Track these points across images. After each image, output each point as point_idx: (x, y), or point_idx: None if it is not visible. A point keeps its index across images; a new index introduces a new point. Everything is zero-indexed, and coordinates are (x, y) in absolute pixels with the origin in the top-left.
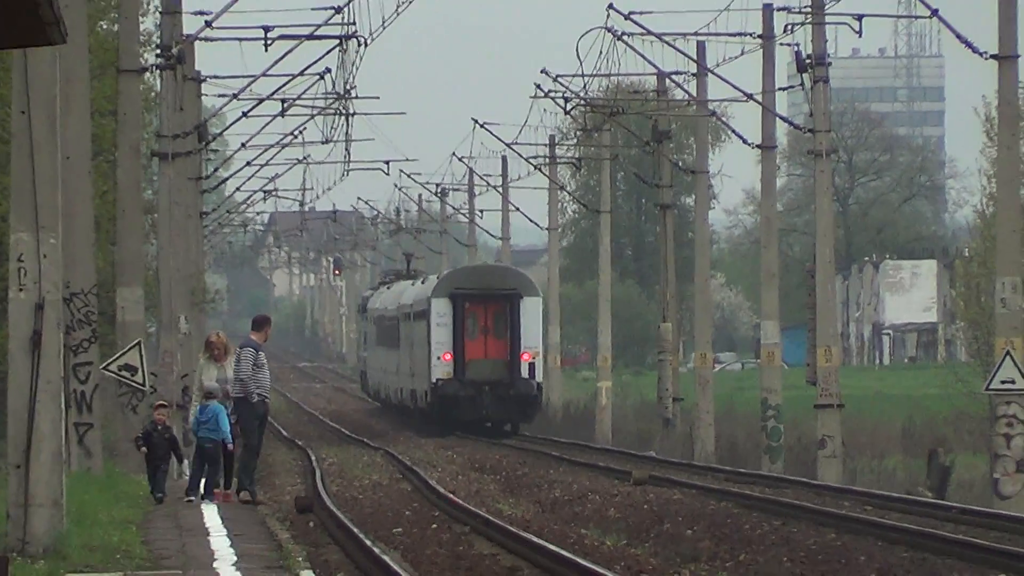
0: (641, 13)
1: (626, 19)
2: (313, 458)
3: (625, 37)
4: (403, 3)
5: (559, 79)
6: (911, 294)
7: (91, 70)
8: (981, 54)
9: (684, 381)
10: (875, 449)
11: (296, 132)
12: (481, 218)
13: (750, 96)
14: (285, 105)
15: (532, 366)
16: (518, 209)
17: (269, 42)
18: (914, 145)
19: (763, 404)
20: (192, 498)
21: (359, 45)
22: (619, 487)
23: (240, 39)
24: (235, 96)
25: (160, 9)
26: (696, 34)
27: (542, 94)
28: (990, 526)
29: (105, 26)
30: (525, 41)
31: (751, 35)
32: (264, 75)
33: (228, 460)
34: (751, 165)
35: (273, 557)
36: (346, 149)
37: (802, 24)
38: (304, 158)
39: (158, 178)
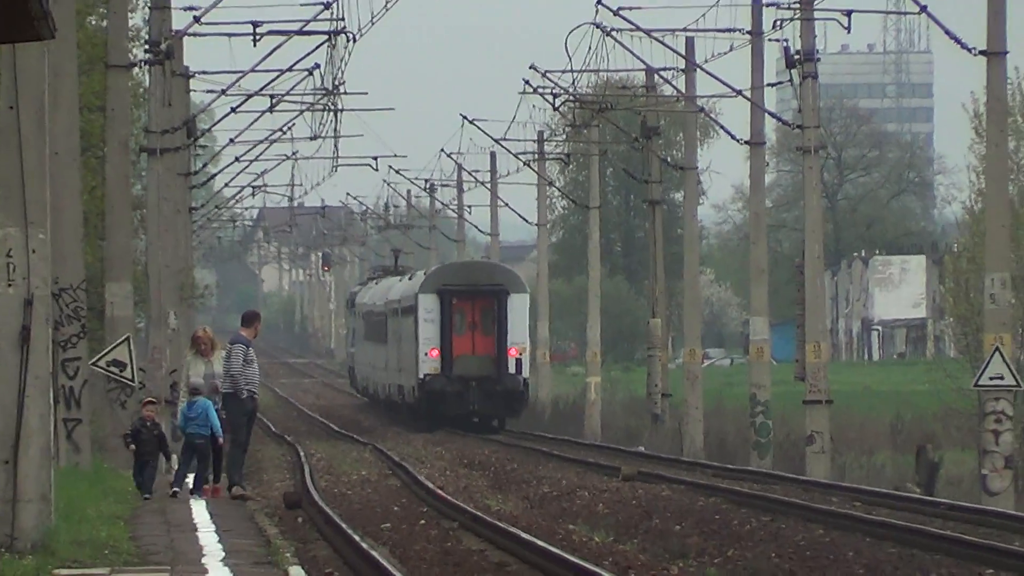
0: (630, 9)
1: (615, 15)
2: (302, 454)
3: (614, 33)
4: None
5: (548, 75)
6: (900, 290)
7: (79, 65)
8: (970, 50)
9: (673, 377)
10: (863, 445)
11: (285, 128)
12: (470, 214)
13: (739, 92)
14: (274, 101)
15: (519, 362)
16: (507, 205)
17: (258, 38)
18: (903, 141)
19: (752, 400)
20: (177, 489)
21: (348, 41)
22: (608, 483)
23: (229, 35)
24: (224, 92)
25: (148, 4)
26: (685, 30)
27: (531, 90)
28: (978, 522)
29: (94, 21)
30: (514, 37)
31: (740, 31)
32: (253, 71)
33: (217, 455)
34: (740, 161)
35: (261, 553)
36: (335, 145)
37: (791, 20)
38: (293, 154)
39: (147, 174)
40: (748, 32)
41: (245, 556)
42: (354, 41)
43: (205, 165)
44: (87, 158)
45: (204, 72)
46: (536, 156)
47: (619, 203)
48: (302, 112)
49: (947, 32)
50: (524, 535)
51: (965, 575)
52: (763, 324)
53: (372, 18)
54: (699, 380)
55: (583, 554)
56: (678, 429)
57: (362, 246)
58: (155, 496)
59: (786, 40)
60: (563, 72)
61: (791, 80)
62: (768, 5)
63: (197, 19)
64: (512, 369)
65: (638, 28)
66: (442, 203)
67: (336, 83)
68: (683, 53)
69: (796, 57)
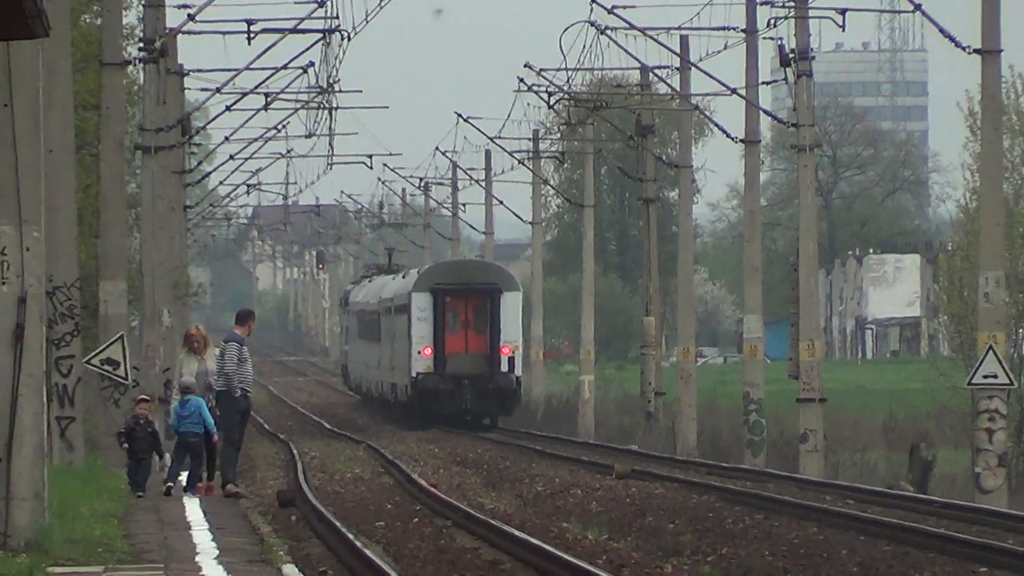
0: (624, 7)
1: (609, 13)
2: (295, 452)
3: (608, 31)
4: None
5: (543, 73)
6: (894, 288)
7: (74, 63)
8: (964, 48)
9: (667, 375)
10: (857, 443)
11: (279, 126)
12: (464, 212)
13: (733, 90)
14: (268, 99)
15: (512, 360)
16: (501, 203)
17: (252, 36)
18: (897, 139)
19: (745, 398)
20: (171, 484)
21: (342, 39)
22: (601, 481)
23: (223, 32)
24: (218, 90)
25: (143, 2)
26: (679, 28)
27: (526, 88)
28: (972, 520)
29: (88, 19)
30: (509, 35)
31: (734, 29)
32: (247, 69)
33: (211, 452)
34: (735, 159)
35: (255, 551)
36: (329, 143)
37: (785, 18)
38: (287, 152)
39: (141, 172)
40: (743, 30)
41: (239, 554)
42: (348, 39)
43: (200, 163)
44: (82, 156)
45: (198, 70)
46: (531, 154)
47: (614, 201)
48: (296, 110)
49: (941, 30)
50: (518, 533)
51: (959, 573)
52: (757, 322)
53: (366, 16)
54: (693, 378)
55: (577, 552)
56: (672, 427)
57: (356, 244)
58: (148, 494)
59: (780, 38)
60: (558, 70)
61: (786, 78)
62: (762, 3)
63: (191, 17)
64: (505, 367)
65: (633, 26)
66: (437, 201)
67: (330, 81)
68: (678, 51)
69: (791, 55)
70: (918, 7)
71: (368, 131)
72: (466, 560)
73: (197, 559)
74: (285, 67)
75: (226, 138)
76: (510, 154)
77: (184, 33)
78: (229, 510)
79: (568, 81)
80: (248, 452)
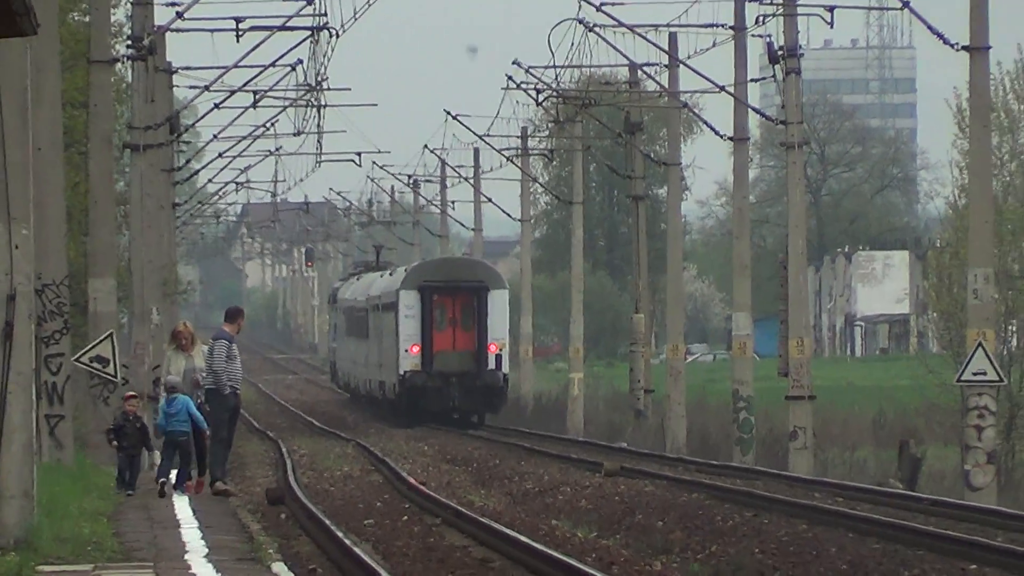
0: (613, 4)
1: (598, 10)
2: (284, 450)
3: (597, 29)
4: None
5: (531, 71)
6: (883, 285)
7: (62, 61)
8: (952, 45)
9: (656, 372)
10: (846, 441)
11: (268, 124)
12: (453, 209)
13: (722, 88)
14: (257, 97)
15: (499, 357)
16: (490, 200)
17: (240, 33)
18: (886, 137)
19: (735, 395)
20: (164, 480)
21: (331, 36)
22: (590, 478)
23: (211, 30)
24: (207, 87)
25: (131, 0)
26: (668, 25)
27: (514, 86)
28: (961, 517)
29: (76, 17)
30: (497, 32)
31: (723, 26)
32: (236, 66)
33: (201, 448)
34: (723, 157)
35: (244, 549)
36: (318, 141)
37: (774, 15)
38: (276, 149)
39: (130, 170)
40: (731, 28)
41: (228, 552)
42: (337, 36)
43: (188, 161)
44: (70, 154)
45: (187, 68)
46: (519, 152)
47: (602, 199)
48: (285, 108)
49: (930, 28)
50: (507, 531)
51: (948, 570)
52: (746, 320)
53: (355, 13)
54: (682, 376)
55: (566, 550)
56: (661, 425)
57: (345, 242)
58: (138, 492)
59: (769, 36)
60: (546, 68)
61: (774, 76)
62: (751, 1)
63: (180, 15)
64: (492, 365)
65: (621, 24)
66: (425, 199)
67: (319, 79)
68: (666, 49)
69: (779, 53)
70: (906, 4)
71: (357, 129)
72: (455, 558)
73: (186, 557)
74: (274, 65)
75: (215, 136)
76: (499, 152)
77: (172, 31)
78: (218, 508)
79: (557, 79)
80: (237, 450)
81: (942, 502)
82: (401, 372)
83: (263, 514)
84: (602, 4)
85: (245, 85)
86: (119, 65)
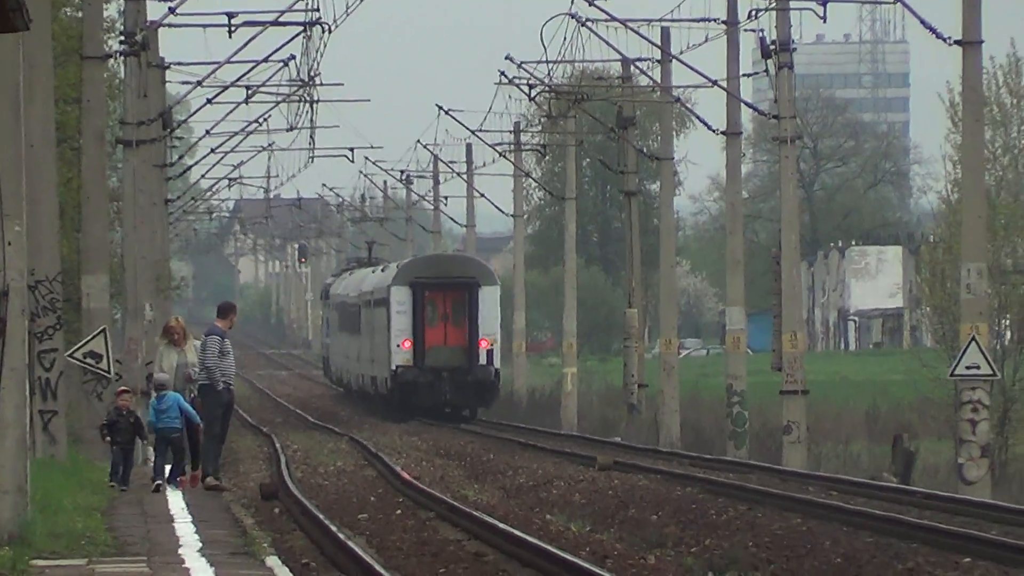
0: None
1: (590, 5)
2: (278, 445)
3: (589, 23)
4: None
5: (524, 66)
6: (876, 280)
7: (55, 57)
8: (945, 40)
9: (649, 367)
10: (840, 435)
11: (261, 119)
12: (446, 205)
13: (715, 82)
14: (250, 92)
15: (490, 353)
16: (483, 196)
17: (233, 29)
18: (879, 131)
19: (728, 390)
20: (160, 481)
21: (323, 32)
22: (584, 473)
23: (204, 25)
24: (199, 83)
25: None
26: (660, 20)
27: (507, 81)
28: (954, 511)
29: (68, 13)
30: (490, 27)
31: (715, 21)
32: (228, 62)
33: (195, 441)
34: (716, 152)
35: (238, 543)
36: (311, 136)
37: (766, 10)
38: (269, 145)
39: (122, 165)
40: (724, 22)
41: (222, 547)
42: (329, 32)
43: (181, 157)
44: (63, 150)
45: (179, 63)
46: (512, 147)
47: (595, 194)
48: (278, 103)
49: (922, 22)
50: (501, 525)
51: (942, 563)
52: (739, 314)
53: (347, 9)
54: (675, 370)
55: (560, 544)
56: (654, 419)
57: (338, 238)
58: (132, 487)
59: (762, 30)
60: (539, 63)
61: (767, 70)
62: None
63: (172, 10)
64: (483, 360)
65: (613, 18)
66: (418, 194)
67: (312, 74)
68: (659, 43)
69: (772, 47)
70: None
71: (350, 124)
72: (449, 552)
73: (180, 551)
74: (266, 60)
75: (207, 131)
76: (491, 147)
77: (165, 26)
78: (212, 503)
79: (549, 74)
80: (231, 445)
81: (936, 496)
82: (393, 367)
83: (257, 509)
84: None
85: (238, 80)
86: (112, 61)
